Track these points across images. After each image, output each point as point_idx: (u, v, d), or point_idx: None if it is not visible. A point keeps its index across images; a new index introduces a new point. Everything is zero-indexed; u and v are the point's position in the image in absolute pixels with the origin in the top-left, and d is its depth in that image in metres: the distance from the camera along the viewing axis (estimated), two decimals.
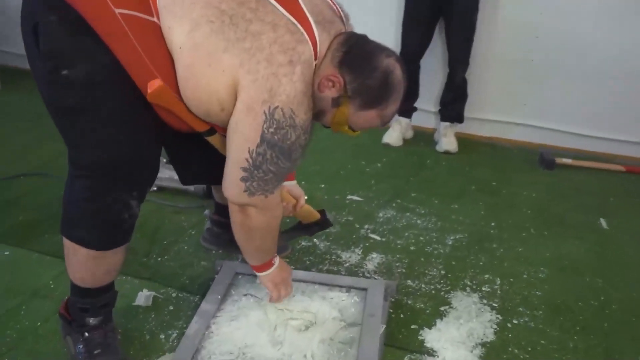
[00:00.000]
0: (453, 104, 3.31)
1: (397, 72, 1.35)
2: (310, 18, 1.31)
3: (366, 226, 2.30)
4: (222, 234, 2.02)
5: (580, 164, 3.00)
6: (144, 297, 1.78)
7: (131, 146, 1.38)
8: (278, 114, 1.26)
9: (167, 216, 2.33)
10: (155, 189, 2.48)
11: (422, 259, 2.08)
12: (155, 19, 1.28)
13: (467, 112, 3.26)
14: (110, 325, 1.54)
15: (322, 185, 2.67)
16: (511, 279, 1.98)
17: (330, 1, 1.46)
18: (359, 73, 1.32)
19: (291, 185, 1.85)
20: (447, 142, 3.26)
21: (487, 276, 1.99)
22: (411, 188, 2.70)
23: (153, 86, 1.28)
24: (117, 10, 1.25)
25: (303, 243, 2.13)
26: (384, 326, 1.63)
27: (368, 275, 1.97)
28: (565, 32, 3.02)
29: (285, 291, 1.63)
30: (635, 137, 3.09)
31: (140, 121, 1.38)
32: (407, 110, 3.37)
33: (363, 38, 1.39)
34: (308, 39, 1.29)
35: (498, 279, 1.97)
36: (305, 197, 2.49)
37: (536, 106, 3.25)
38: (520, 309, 1.82)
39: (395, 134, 3.35)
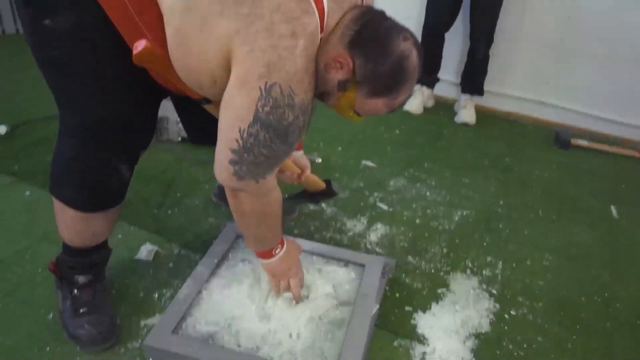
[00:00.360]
0: (474, 77, 2.81)
1: (413, 58, 0.97)
2: None
3: (375, 194, 1.92)
4: None
5: (596, 146, 2.51)
6: (146, 251, 1.48)
7: (118, 109, 1.05)
8: (275, 92, 0.90)
9: (185, 168, 1.99)
10: (179, 139, 2.16)
11: (426, 234, 1.70)
12: None
13: (489, 86, 2.76)
14: (101, 284, 1.24)
15: (339, 149, 2.27)
16: (514, 264, 1.59)
17: None
18: (370, 58, 0.95)
19: (297, 155, 1.50)
20: (466, 114, 2.76)
21: (489, 259, 1.60)
22: (425, 158, 2.27)
23: (138, 47, 0.93)
24: None
25: (311, 207, 1.77)
26: (377, 306, 1.29)
27: (370, 247, 1.61)
28: (599, 13, 2.45)
29: (285, 283, 1.26)
30: None
31: (130, 83, 1.04)
32: (429, 80, 2.89)
33: (380, 15, 0.99)
34: (315, 8, 0.91)
35: (500, 263, 1.58)
36: (319, 160, 2.17)
37: (558, 85, 2.72)
38: (520, 299, 1.44)
39: (417, 102, 2.85)
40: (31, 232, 1.52)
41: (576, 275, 1.57)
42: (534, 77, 2.75)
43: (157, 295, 1.32)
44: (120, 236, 1.54)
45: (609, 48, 2.52)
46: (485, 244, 1.68)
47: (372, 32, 0.96)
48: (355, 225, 1.71)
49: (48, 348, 1.15)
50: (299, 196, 1.63)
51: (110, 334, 1.17)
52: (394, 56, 0.95)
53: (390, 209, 1.83)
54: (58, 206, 1.13)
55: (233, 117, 0.95)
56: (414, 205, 1.87)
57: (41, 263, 1.36)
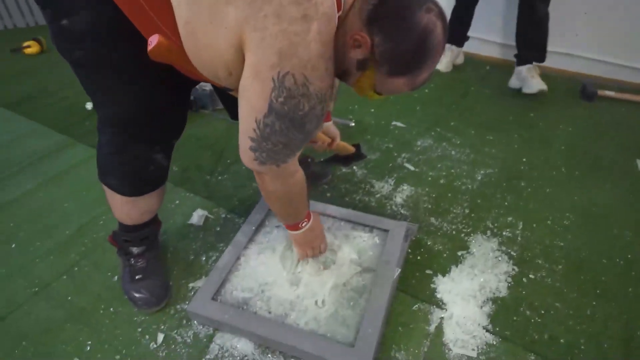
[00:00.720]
0: (533, 41, 2.09)
1: (437, 32, 0.71)
2: None
3: (403, 155, 1.68)
4: None
5: (623, 96, 2.05)
6: (197, 216, 1.36)
7: (145, 103, 0.88)
8: (289, 81, 0.71)
9: (235, 136, 1.80)
10: None
11: (450, 195, 1.47)
12: None
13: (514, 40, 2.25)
14: (154, 252, 1.15)
15: (372, 110, 2.00)
16: (534, 225, 1.33)
17: None
18: (390, 35, 0.71)
19: (327, 125, 1.28)
20: (536, 82, 2.07)
21: (510, 219, 1.35)
22: (452, 117, 1.96)
23: (152, 43, 0.75)
24: None
25: (343, 170, 1.58)
26: (399, 270, 1.14)
27: (395, 209, 1.41)
28: None
29: (313, 252, 1.13)
30: None
31: (154, 76, 0.86)
32: (459, 38, 2.38)
33: None
34: None
35: (520, 223, 1.34)
36: (353, 123, 1.94)
37: (588, 37, 2.21)
38: (539, 261, 1.21)
39: (446, 60, 2.40)
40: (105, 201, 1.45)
41: (597, 235, 1.30)
42: (563, 29, 2.23)
43: (204, 258, 1.23)
44: (177, 202, 1.44)
45: None
46: (506, 203, 1.43)
47: (391, 5, 0.71)
48: (383, 187, 1.50)
49: (112, 309, 1.09)
50: (331, 160, 1.45)
51: (161, 297, 1.09)
52: (415, 32, 0.71)
53: (417, 169, 1.59)
54: (108, 192, 1.02)
55: (249, 108, 0.77)
56: (439, 165, 1.62)
57: (111, 230, 1.30)
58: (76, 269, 1.20)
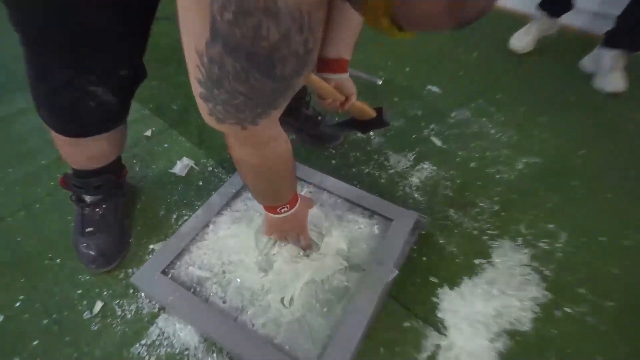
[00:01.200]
0: (634, 26, 1.35)
1: None
2: None
3: (432, 126, 1.24)
4: None
5: None
6: (181, 165, 1.05)
7: (74, 13, 0.54)
8: None
9: None
10: None
11: (479, 183, 1.05)
12: None
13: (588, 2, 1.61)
14: (113, 202, 0.86)
15: (407, 69, 1.51)
16: (582, 239, 0.91)
17: None
18: None
19: (341, 78, 0.82)
20: (616, 78, 1.37)
21: (551, 226, 0.93)
22: (500, 88, 1.43)
23: None
24: None
25: (358, 134, 1.20)
26: (397, 272, 0.80)
27: (408, 190, 1.02)
28: None
29: (282, 239, 0.80)
30: None
31: None
32: (559, 7, 1.53)
33: None
34: None
35: (565, 235, 0.92)
36: (380, 82, 1.43)
37: None
38: (582, 291, 0.81)
39: (528, 37, 1.58)
40: None
41: None
42: None
43: (175, 216, 0.93)
44: (166, 145, 1.13)
45: None
46: (549, 205, 1.00)
47: None
48: (400, 162, 1.10)
49: (59, 260, 0.84)
50: (346, 124, 1.01)
51: (111, 258, 0.82)
52: None
53: (445, 146, 1.16)
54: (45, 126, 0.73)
55: (187, 32, 0.41)
56: (472, 144, 1.17)
57: None
58: (37, 205, 0.95)
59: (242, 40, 0.39)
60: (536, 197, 1.02)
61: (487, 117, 1.29)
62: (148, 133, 1.20)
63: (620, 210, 0.99)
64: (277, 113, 0.53)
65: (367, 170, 1.08)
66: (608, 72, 1.41)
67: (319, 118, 1.14)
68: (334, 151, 1.14)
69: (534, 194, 1.03)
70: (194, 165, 1.07)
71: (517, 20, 1.71)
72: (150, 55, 0.71)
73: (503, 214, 0.97)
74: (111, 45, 0.62)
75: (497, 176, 1.08)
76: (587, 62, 1.52)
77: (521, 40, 1.60)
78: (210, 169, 1.06)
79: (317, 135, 1.16)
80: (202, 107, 0.50)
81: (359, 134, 1.18)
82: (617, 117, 1.31)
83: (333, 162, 1.10)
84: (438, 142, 1.18)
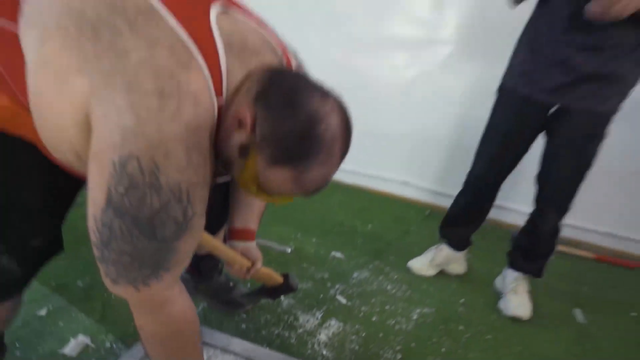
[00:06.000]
0: (534, 255, 1.33)
1: (332, 122, 0.52)
2: (218, 39, 0.52)
3: (337, 286, 1.36)
4: (187, 280, 1.16)
5: (566, 250, 1.83)
6: (74, 343, 0.95)
7: None
8: (132, 166, 0.47)
9: None
10: None
11: (381, 334, 1.12)
12: (16, 27, 0.53)
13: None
14: None
15: (314, 240, 1.73)
16: None
17: (268, 31, 0.64)
18: (273, 113, 0.51)
19: (247, 245, 0.93)
20: (518, 303, 1.29)
21: None
22: (392, 251, 1.69)
23: None
24: None
25: (267, 299, 1.23)
26: None
27: (317, 348, 1.03)
28: None
29: None
30: (603, 227, 1.90)
31: (5, 155, 0.61)
32: (459, 242, 1.49)
33: (296, 75, 0.57)
34: (204, 65, 0.50)
35: None
36: (289, 250, 1.56)
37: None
38: None
39: (425, 259, 1.51)
40: None
41: None
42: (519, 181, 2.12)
43: None
44: (62, 324, 1.03)
45: None
46: (443, 349, 1.08)
47: (282, 86, 0.54)
48: (308, 321, 1.15)
49: None
50: (256, 293, 1.07)
51: None
52: (301, 115, 0.52)
53: (349, 303, 1.26)
54: None
55: (89, 202, 0.52)
56: (373, 300, 1.29)
57: None
58: None
59: (129, 207, 0.50)
60: (431, 343, 1.10)
61: (384, 275, 1.47)
62: (42, 312, 1.09)
63: (499, 350, 1.11)
64: (169, 276, 0.58)
65: (277, 332, 1.09)
66: (511, 294, 1.33)
67: (231, 285, 1.19)
68: (244, 315, 1.14)
69: (429, 340, 1.12)
70: (89, 343, 0.97)
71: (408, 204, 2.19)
72: (65, 235, 0.76)
73: None
74: (27, 217, 0.68)
75: (397, 327, 1.16)
76: (497, 281, 1.46)
77: (417, 261, 1.53)
78: (108, 345, 0.97)
79: (229, 301, 1.17)
80: (101, 270, 0.56)
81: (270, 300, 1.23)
82: (484, 272, 1.58)
83: (243, 325, 1.09)
84: (343, 300, 1.27)
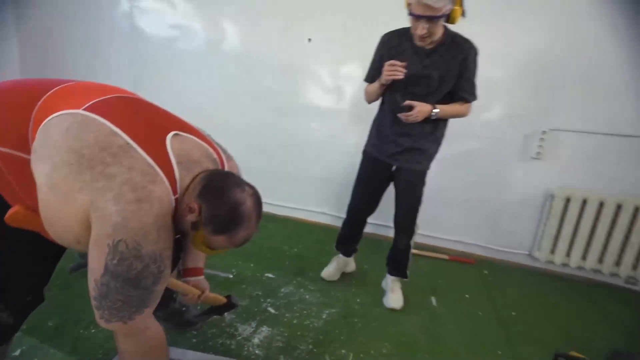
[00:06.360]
0: (397, 262, 1.89)
1: (248, 204, 0.90)
2: (173, 160, 0.88)
3: (268, 300, 1.78)
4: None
5: (417, 252, 2.45)
6: None
7: None
8: (121, 246, 0.80)
9: None
10: None
11: (299, 333, 1.56)
12: (29, 157, 0.86)
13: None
14: None
15: (252, 265, 2.13)
16: (361, 355, 1.46)
17: (207, 143, 1.02)
18: (212, 203, 0.88)
19: (198, 279, 1.30)
20: (394, 299, 1.83)
21: (343, 351, 1.47)
22: (311, 267, 2.14)
23: (9, 212, 0.84)
24: None
25: (215, 316, 1.59)
26: None
27: (251, 349, 1.43)
28: None
29: None
30: (454, 236, 2.59)
31: (13, 239, 0.90)
32: (346, 250, 2.05)
33: (226, 174, 0.95)
34: (164, 178, 0.85)
35: (351, 355, 1.45)
36: (231, 275, 1.95)
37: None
38: None
39: (331, 268, 2.05)
40: None
41: None
42: (384, 210, 2.50)
43: None
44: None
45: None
46: (342, 337, 1.56)
47: (215, 185, 0.90)
48: (245, 330, 1.54)
49: None
50: (205, 313, 1.45)
51: None
52: (230, 203, 0.88)
53: (277, 312, 1.68)
54: None
55: (90, 271, 0.84)
56: (294, 307, 1.73)
57: None
58: None
59: (121, 272, 0.83)
60: (334, 334, 1.58)
61: (304, 288, 1.93)
62: (17, 353, 1.30)
63: (379, 332, 1.61)
64: (149, 310, 0.90)
65: (220, 341, 1.46)
66: (389, 293, 1.87)
67: (183, 309, 1.51)
68: (195, 332, 1.48)
69: (332, 332, 1.59)
70: None
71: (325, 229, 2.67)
72: None
73: (315, 350, 1.46)
74: (27, 282, 0.95)
75: (310, 325, 1.62)
76: (382, 283, 2.01)
77: (327, 271, 2.04)
78: None
79: (182, 322, 1.50)
80: (96, 315, 0.86)
81: (215, 315, 1.58)
82: (373, 277, 2.11)
83: (194, 340, 1.44)
84: (272, 311, 1.69)
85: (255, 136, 2.95)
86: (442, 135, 1.71)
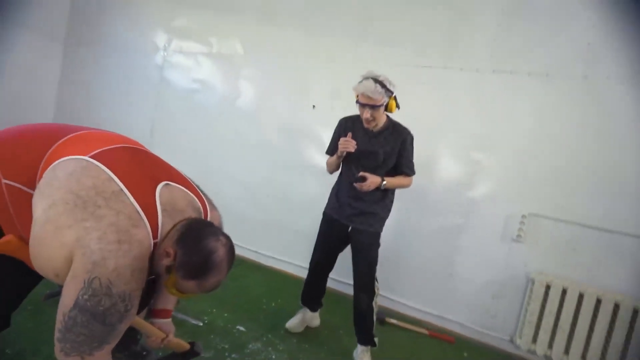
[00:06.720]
0: (362, 328, 1.91)
1: (220, 253, 0.97)
2: (159, 207, 0.98)
3: (233, 355, 1.73)
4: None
5: (397, 323, 2.40)
6: None
7: None
8: (95, 283, 0.85)
9: None
10: None
11: None
12: (33, 192, 0.96)
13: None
14: None
15: (225, 315, 2.09)
16: None
17: (194, 194, 1.12)
18: (186, 250, 0.95)
19: (164, 322, 1.31)
20: None
21: None
22: (285, 325, 2.09)
23: (3, 239, 0.92)
24: (4, 181, 0.94)
25: None
26: None
27: None
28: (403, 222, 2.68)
29: None
30: (437, 311, 2.52)
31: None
32: (312, 305, 2.13)
33: (205, 223, 1.03)
34: (147, 223, 0.93)
35: None
36: (201, 323, 1.94)
37: (380, 281, 2.30)
38: None
39: (296, 321, 2.10)
40: None
41: None
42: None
43: None
44: None
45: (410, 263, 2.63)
46: None
47: (192, 233, 0.98)
48: None
49: None
50: (168, 357, 1.39)
51: None
52: (203, 251, 0.96)
53: None
54: None
55: (61, 304, 0.89)
56: None
57: None
58: None
59: (89, 307, 0.88)
60: None
61: (272, 346, 1.88)
62: None
63: None
64: (109, 348, 0.93)
65: None
66: None
67: (144, 353, 1.49)
68: None
69: None
70: None
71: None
72: None
73: None
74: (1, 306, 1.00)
75: None
76: (354, 352, 1.98)
77: (291, 322, 2.10)
78: None
79: None
80: (56, 347, 0.89)
81: None
82: (348, 343, 2.04)
83: None
84: None
85: (252, 185, 3.10)
86: (391, 202, 1.96)
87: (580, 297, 2.13)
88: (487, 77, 2.40)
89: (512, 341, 2.33)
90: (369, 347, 1.92)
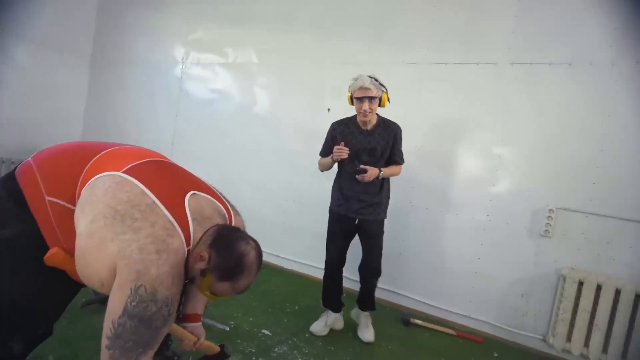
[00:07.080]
0: (366, 297, 2.14)
1: (251, 256, 1.01)
2: (189, 216, 1.02)
3: (261, 359, 1.76)
4: None
5: (423, 324, 2.37)
6: None
7: (21, 297, 1.01)
8: (141, 291, 0.90)
9: None
10: None
11: None
12: (74, 208, 1.02)
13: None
14: None
15: (250, 319, 2.14)
16: None
17: (219, 201, 1.17)
18: (220, 253, 0.99)
19: (194, 326, 1.34)
20: (368, 333, 2.09)
21: None
22: (307, 328, 2.11)
23: (48, 253, 0.97)
24: (47, 198, 1.00)
25: None
26: None
27: None
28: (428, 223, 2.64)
29: None
30: (463, 311, 2.47)
31: (43, 276, 1.02)
32: (333, 306, 2.17)
33: (234, 228, 1.08)
34: (180, 232, 0.98)
35: None
36: (228, 328, 1.98)
37: (404, 281, 2.63)
38: None
39: (320, 324, 2.14)
40: None
41: None
42: (391, 278, 2.61)
43: None
44: None
45: (437, 258, 2.59)
46: None
47: (224, 238, 1.03)
48: None
49: None
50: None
51: None
52: (235, 253, 1.00)
53: None
54: None
55: (109, 312, 0.93)
56: None
57: None
58: None
59: (137, 313, 0.93)
60: None
61: (298, 349, 1.88)
62: None
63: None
64: (152, 352, 0.98)
65: None
66: (363, 328, 2.13)
67: (176, 358, 1.53)
68: None
69: None
70: None
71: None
72: None
73: None
74: (43, 317, 1.06)
75: None
76: (353, 314, 2.27)
77: (316, 326, 2.14)
78: None
79: None
80: (104, 354, 0.93)
81: None
82: (374, 345, 2.03)
83: None
84: None
85: (271, 190, 3.14)
86: (388, 189, 2.14)
87: (617, 293, 2.03)
88: (506, 70, 2.34)
89: (544, 340, 2.24)
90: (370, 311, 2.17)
